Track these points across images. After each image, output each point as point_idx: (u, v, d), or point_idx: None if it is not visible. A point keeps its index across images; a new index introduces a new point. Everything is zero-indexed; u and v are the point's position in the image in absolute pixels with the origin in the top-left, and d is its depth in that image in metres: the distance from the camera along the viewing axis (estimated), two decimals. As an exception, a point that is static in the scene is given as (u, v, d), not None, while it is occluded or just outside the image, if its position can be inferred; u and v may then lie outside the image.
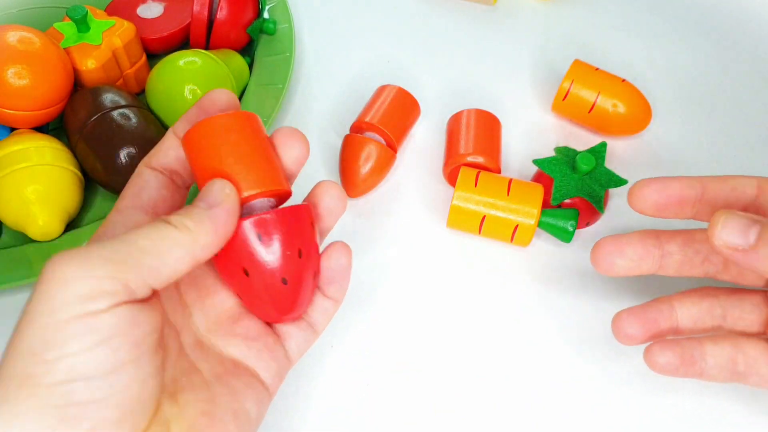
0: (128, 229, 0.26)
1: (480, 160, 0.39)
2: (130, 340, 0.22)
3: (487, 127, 0.41)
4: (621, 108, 0.41)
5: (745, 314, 0.31)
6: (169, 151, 0.28)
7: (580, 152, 0.38)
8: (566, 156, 0.39)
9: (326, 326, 0.30)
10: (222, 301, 0.29)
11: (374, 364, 0.35)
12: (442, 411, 0.34)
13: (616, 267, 0.31)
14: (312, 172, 0.43)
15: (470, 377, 0.35)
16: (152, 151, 0.28)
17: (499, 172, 0.40)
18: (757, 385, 0.29)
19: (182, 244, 0.24)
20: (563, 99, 0.43)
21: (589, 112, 0.42)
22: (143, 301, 0.23)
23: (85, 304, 0.21)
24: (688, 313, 0.31)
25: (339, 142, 0.43)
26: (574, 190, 0.37)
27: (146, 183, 0.28)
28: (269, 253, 0.26)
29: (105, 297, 0.22)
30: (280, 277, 0.26)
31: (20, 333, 0.22)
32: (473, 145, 0.40)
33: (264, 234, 0.25)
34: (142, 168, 0.28)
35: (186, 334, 0.27)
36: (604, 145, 0.39)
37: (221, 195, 0.25)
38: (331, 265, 0.29)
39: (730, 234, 0.26)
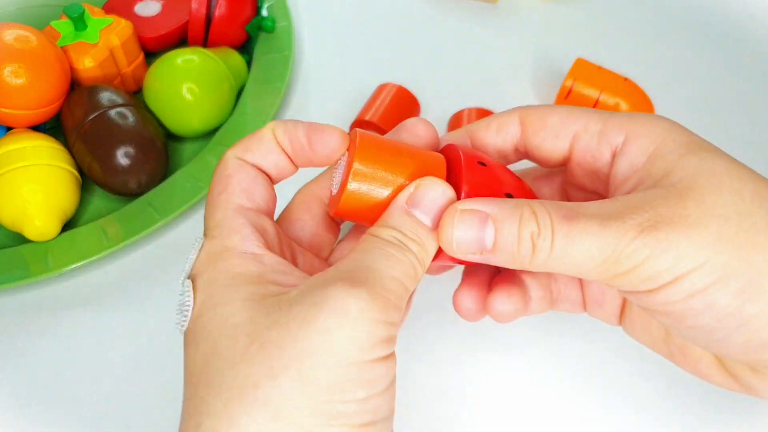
0: (270, 232, 0.24)
1: None
2: (394, 379, 0.22)
3: None
4: (623, 106, 0.41)
5: None
6: (268, 156, 0.25)
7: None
8: None
9: None
10: None
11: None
12: (443, 411, 0.33)
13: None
14: (310, 172, 0.42)
15: (470, 377, 0.34)
16: (245, 145, 0.25)
17: None
18: (566, 310, 0.29)
19: (418, 274, 0.23)
20: (565, 97, 0.42)
21: (591, 110, 0.42)
22: None
23: (382, 349, 0.21)
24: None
25: (338, 141, 0.43)
26: None
27: (255, 180, 0.25)
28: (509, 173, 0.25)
29: (391, 343, 0.21)
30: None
31: (310, 368, 0.20)
32: None
33: (486, 162, 0.25)
34: (238, 162, 0.25)
35: None
36: None
37: (447, 208, 0.23)
38: None
39: (466, 242, 0.22)
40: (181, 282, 0.24)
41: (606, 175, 0.25)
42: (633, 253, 0.21)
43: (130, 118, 0.39)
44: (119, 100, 0.39)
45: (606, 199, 0.23)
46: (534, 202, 0.22)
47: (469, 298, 0.27)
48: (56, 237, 0.38)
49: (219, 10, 0.43)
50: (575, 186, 0.27)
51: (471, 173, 0.23)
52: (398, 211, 0.23)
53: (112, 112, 0.39)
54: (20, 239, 0.39)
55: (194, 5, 0.43)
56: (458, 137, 0.27)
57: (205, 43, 0.45)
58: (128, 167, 0.38)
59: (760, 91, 0.46)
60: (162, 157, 0.39)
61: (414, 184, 0.23)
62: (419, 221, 0.23)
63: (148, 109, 0.41)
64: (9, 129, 0.40)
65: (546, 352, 0.35)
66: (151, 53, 0.46)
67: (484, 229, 0.22)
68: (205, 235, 0.24)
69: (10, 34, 0.38)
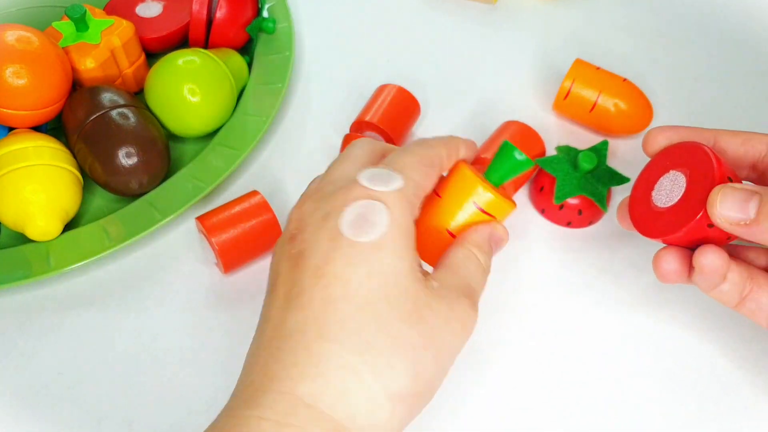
0: None
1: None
2: None
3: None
4: (622, 107, 0.41)
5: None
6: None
7: (582, 151, 0.38)
8: (568, 155, 0.39)
9: None
10: None
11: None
12: (438, 410, 0.33)
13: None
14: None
15: (467, 378, 0.35)
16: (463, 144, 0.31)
17: None
18: (747, 314, 0.30)
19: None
20: (564, 98, 0.42)
21: (591, 111, 0.42)
22: None
23: None
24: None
25: (339, 142, 0.43)
26: (576, 189, 0.37)
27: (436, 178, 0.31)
28: None
29: None
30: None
31: (447, 356, 0.27)
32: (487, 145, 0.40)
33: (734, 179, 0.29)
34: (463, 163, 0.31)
35: None
36: (605, 143, 0.39)
37: (503, 238, 0.31)
38: None
39: (730, 209, 0.26)
40: (366, 180, 0.28)
41: None
42: None
43: (132, 118, 0.39)
44: (120, 101, 0.40)
45: None
46: None
47: (673, 258, 0.30)
48: (58, 237, 0.38)
49: (220, 12, 0.44)
50: None
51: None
52: (486, 240, 0.29)
53: (114, 113, 0.39)
54: (22, 239, 0.39)
55: (195, 6, 0.43)
56: (705, 137, 0.30)
57: (206, 45, 0.45)
58: (129, 167, 0.38)
59: (759, 92, 0.46)
60: (163, 157, 0.40)
61: (494, 224, 0.30)
62: (491, 250, 0.30)
63: (150, 110, 0.41)
64: (11, 129, 0.40)
65: (546, 351, 0.36)
66: (152, 54, 0.46)
67: (749, 201, 0.26)
68: (397, 171, 0.28)
69: (12, 35, 0.38)
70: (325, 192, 0.28)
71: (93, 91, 0.40)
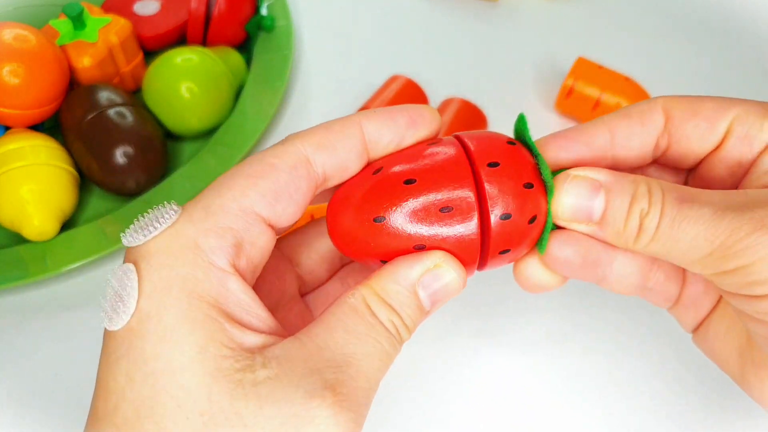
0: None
1: None
2: None
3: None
4: (625, 105, 0.41)
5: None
6: (346, 158, 0.21)
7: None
8: None
9: None
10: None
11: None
12: (440, 410, 0.33)
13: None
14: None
15: (458, 380, 0.34)
16: (323, 140, 0.20)
17: None
18: (650, 301, 0.25)
19: (392, 359, 0.20)
20: (566, 97, 0.42)
21: (593, 110, 0.42)
22: None
23: None
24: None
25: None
26: None
27: (296, 190, 0.20)
28: None
29: None
30: None
31: None
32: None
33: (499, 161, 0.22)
34: (299, 158, 0.20)
35: None
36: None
37: (455, 288, 0.20)
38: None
39: (573, 209, 0.21)
40: (125, 240, 0.20)
41: (746, 169, 0.23)
42: (745, 250, 0.19)
43: (129, 117, 0.39)
44: (118, 100, 0.39)
45: (734, 190, 0.20)
46: (652, 180, 0.21)
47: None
48: (55, 237, 0.38)
49: (218, 9, 0.43)
50: (704, 183, 0.24)
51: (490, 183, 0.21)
52: (407, 288, 0.20)
53: (111, 112, 0.38)
54: (19, 239, 0.38)
55: (193, 4, 0.43)
56: (596, 131, 0.23)
57: (204, 42, 0.45)
58: (127, 167, 0.38)
59: (761, 90, 0.46)
60: (161, 156, 0.39)
61: (433, 259, 0.20)
62: (422, 305, 0.20)
63: (147, 109, 0.41)
64: (7, 128, 0.40)
65: (548, 352, 0.35)
66: (150, 52, 0.46)
67: (595, 198, 0.21)
68: (184, 208, 0.20)
69: (9, 33, 0.37)
70: None
71: (90, 90, 0.40)
